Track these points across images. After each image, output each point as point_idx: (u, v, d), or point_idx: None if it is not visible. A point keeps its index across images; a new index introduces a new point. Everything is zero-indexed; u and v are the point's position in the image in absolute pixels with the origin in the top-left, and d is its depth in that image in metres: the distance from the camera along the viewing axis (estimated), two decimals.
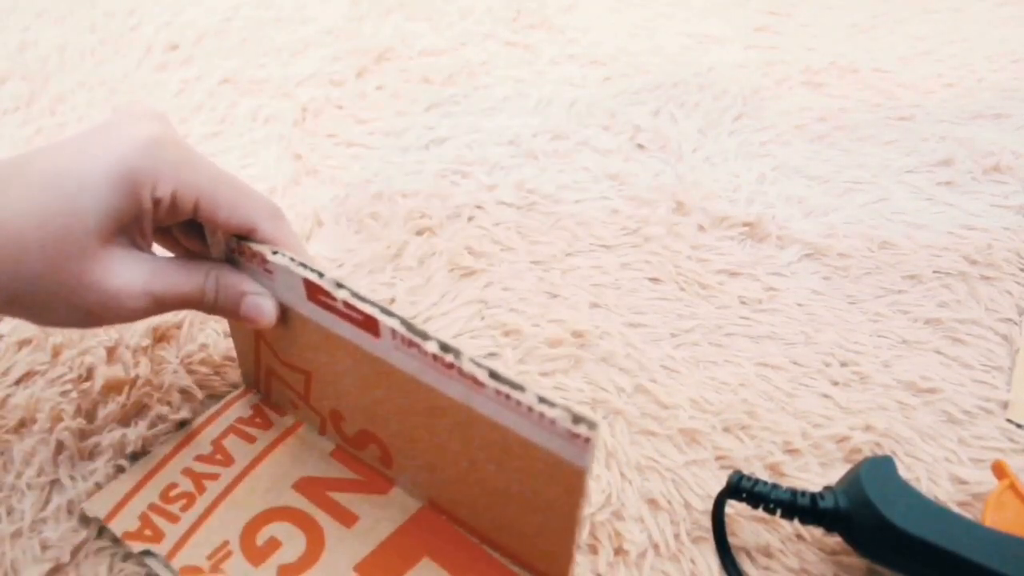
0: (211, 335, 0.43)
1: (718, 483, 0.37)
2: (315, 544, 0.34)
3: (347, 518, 0.35)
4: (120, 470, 0.37)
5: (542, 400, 0.27)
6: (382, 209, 0.52)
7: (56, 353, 0.41)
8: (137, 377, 0.40)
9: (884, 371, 0.43)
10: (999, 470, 0.36)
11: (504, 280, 0.48)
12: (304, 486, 0.36)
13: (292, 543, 0.34)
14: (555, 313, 0.45)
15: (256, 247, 0.33)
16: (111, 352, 0.41)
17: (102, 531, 0.35)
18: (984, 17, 0.74)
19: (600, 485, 0.37)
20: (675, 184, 0.54)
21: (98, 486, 0.36)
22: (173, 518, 0.35)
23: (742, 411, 0.41)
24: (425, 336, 0.29)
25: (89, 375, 0.40)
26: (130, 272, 0.31)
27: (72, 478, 0.37)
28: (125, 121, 0.31)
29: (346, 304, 0.30)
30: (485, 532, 0.34)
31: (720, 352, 0.44)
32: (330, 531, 0.35)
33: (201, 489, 0.36)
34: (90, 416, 0.39)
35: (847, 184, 0.55)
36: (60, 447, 0.38)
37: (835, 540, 0.35)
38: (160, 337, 0.43)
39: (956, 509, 0.37)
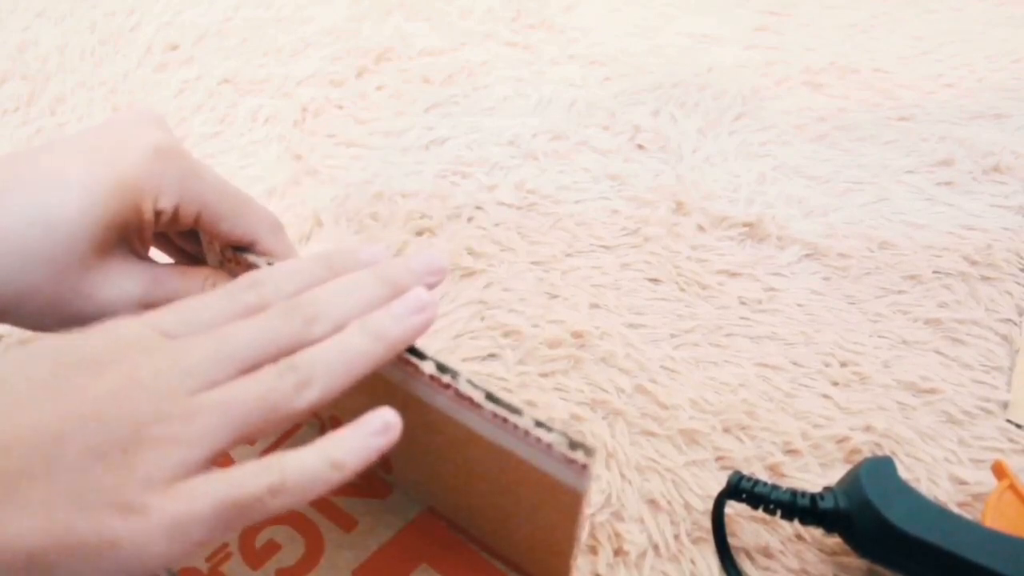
0: None
1: (718, 483, 0.37)
2: (314, 548, 0.34)
3: (346, 522, 0.35)
4: None
5: (539, 424, 0.26)
6: (382, 209, 0.52)
7: None
8: None
9: (884, 371, 0.43)
10: (999, 470, 0.36)
11: (504, 281, 0.47)
12: None
13: (291, 546, 0.34)
14: (555, 314, 0.45)
15: (251, 259, 0.33)
16: None
17: None
18: (984, 17, 0.74)
19: (600, 485, 0.37)
20: (675, 184, 0.54)
21: None
22: None
23: (742, 411, 0.41)
24: (422, 356, 0.29)
25: None
26: (127, 282, 0.31)
27: None
28: (127, 128, 0.31)
29: None
30: (484, 539, 0.34)
31: (720, 352, 0.44)
32: (329, 535, 0.35)
33: None
34: None
35: (847, 184, 0.55)
36: None
37: (835, 540, 0.35)
38: None
39: (956, 509, 0.37)
